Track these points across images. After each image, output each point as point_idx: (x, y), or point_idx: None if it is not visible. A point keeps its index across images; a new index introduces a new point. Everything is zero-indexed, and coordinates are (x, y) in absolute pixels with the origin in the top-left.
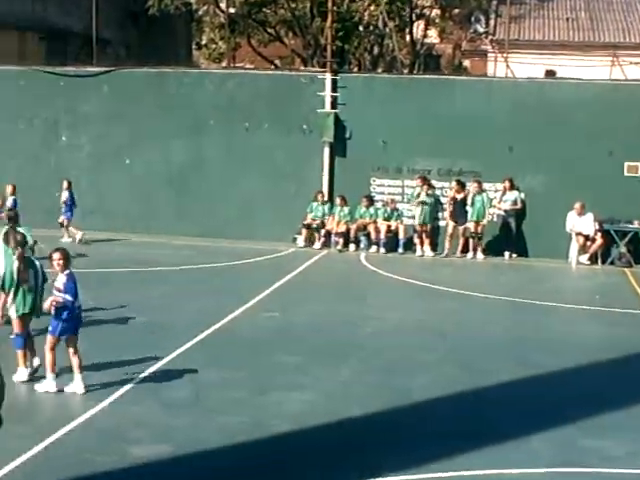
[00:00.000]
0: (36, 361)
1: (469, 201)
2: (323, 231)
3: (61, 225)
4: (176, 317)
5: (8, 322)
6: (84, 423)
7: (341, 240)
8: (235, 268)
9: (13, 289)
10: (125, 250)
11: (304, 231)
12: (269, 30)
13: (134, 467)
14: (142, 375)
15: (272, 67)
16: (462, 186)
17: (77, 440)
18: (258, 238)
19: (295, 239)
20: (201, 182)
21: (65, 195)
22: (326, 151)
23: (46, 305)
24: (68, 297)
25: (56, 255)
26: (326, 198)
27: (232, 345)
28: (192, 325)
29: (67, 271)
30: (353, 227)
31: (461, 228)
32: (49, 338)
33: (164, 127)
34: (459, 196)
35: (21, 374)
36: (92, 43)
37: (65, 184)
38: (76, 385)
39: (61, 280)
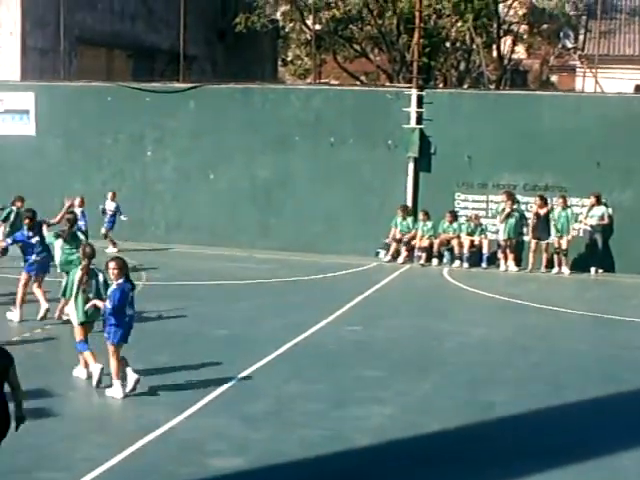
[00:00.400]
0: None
1: (554, 216)
2: (406, 246)
3: (105, 236)
4: (258, 330)
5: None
6: (164, 434)
7: (424, 255)
8: (318, 282)
9: (73, 298)
10: (209, 264)
11: (391, 245)
12: (355, 46)
13: (213, 479)
14: (223, 387)
15: (358, 83)
16: (545, 201)
17: (157, 451)
18: (342, 252)
19: (377, 253)
20: (286, 197)
21: (112, 206)
22: (411, 166)
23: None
24: (108, 305)
25: (112, 264)
26: (410, 213)
27: (314, 358)
28: (274, 338)
29: (120, 280)
30: (436, 242)
31: (543, 243)
32: (109, 346)
33: (249, 143)
34: (542, 211)
35: (79, 371)
36: (179, 60)
37: (110, 195)
38: (114, 390)
39: (111, 288)
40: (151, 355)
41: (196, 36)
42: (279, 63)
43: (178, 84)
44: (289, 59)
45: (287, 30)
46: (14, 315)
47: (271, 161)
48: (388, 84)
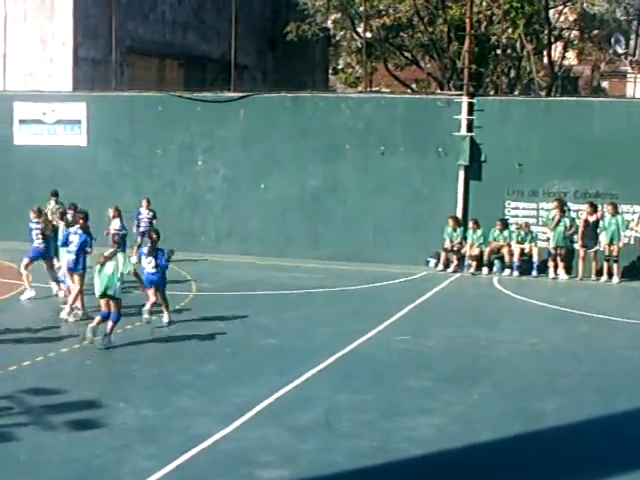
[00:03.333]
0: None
1: (604, 223)
2: (456, 255)
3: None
4: (307, 340)
5: None
6: (212, 445)
7: (474, 263)
8: (368, 291)
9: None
10: (259, 273)
11: (442, 255)
12: (406, 54)
13: None
14: (271, 398)
15: (408, 91)
16: (594, 208)
17: (205, 462)
18: (392, 261)
19: (428, 262)
20: (335, 206)
21: (147, 213)
22: (461, 174)
23: None
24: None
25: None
26: (460, 222)
27: (363, 368)
28: (323, 348)
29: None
30: (487, 250)
31: (591, 251)
32: None
33: (299, 151)
34: (591, 219)
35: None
36: (230, 69)
37: (144, 202)
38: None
39: None
40: (200, 365)
41: (247, 45)
42: (330, 71)
43: (229, 93)
44: (340, 67)
45: (338, 38)
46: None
47: (321, 170)
48: (439, 92)
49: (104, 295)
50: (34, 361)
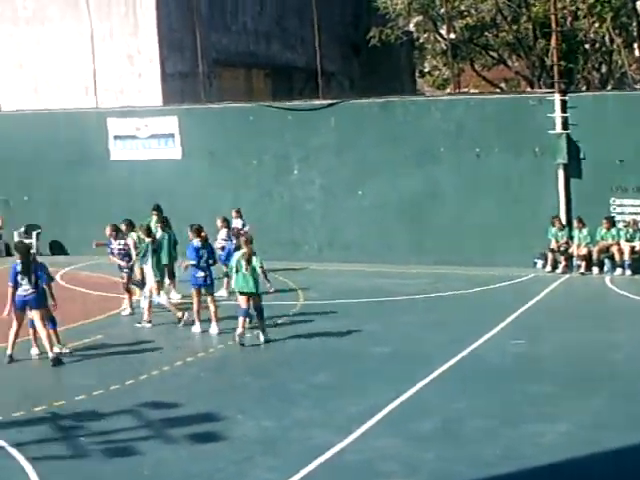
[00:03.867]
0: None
1: None
2: (564, 255)
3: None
4: (420, 346)
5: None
6: (334, 456)
7: (583, 263)
8: (476, 295)
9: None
10: (363, 281)
11: (549, 256)
12: (492, 53)
13: None
14: (389, 407)
15: (498, 90)
16: None
17: (328, 474)
18: (497, 264)
19: (535, 263)
20: (435, 210)
21: (239, 223)
22: (560, 173)
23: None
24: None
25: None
26: (564, 222)
27: (479, 373)
28: (437, 354)
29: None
30: (595, 250)
31: None
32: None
33: (393, 156)
34: None
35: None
36: (317, 77)
37: (234, 213)
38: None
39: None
40: (313, 375)
41: (332, 52)
42: (417, 74)
43: (318, 101)
44: (426, 70)
45: (422, 41)
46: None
47: (417, 174)
48: (529, 90)
49: (248, 293)
50: (150, 375)
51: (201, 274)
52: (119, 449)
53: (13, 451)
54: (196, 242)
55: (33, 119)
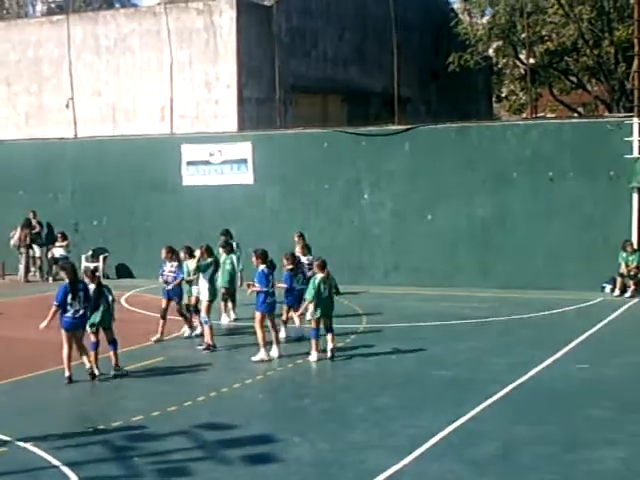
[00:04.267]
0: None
1: None
2: (633, 279)
3: None
4: (482, 370)
5: None
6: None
7: None
8: (543, 319)
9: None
10: (429, 304)
11: (618, 280)
12: (571, 78)
13: None
14: (447, 430)
15: (575, 115)
16: None
17: None
18: (565, 288)
19: (603, 288)
20: (505, 234)
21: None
22: (635, 197)
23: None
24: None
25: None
26: (635, 246)
27: (542, 398)
28: (499, 378)
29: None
30: None
31: None
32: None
33: (466, 182)
34: None
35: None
36: (393, 102)
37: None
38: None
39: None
40: (372, 397)
41: (409, 77)
42: (493, 99)
43: (393, 126)
44: (503, 95)
45: (500, 66)
46: (261, 354)
47: (489, 199)
48: (607, 114)
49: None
50: (208, 397)
51: (269, 300)
52: (173, 469)
53: (67, 470)
54: (262, 267)
55: (108, 145)
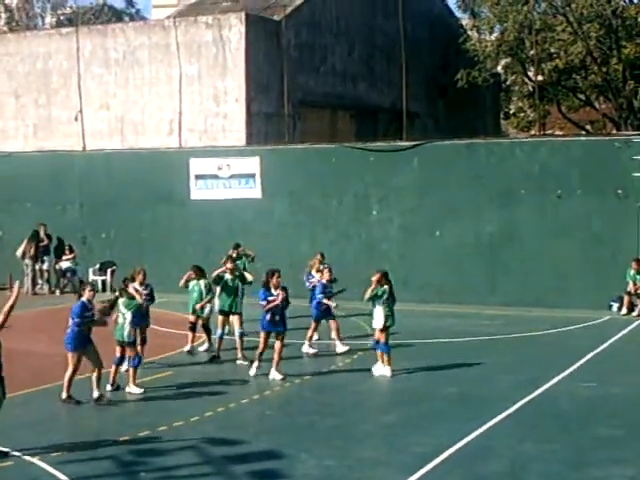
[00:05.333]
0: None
1: None
2: None
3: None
4: (490, 388)
5: None
6: None
7: None
8: (550, 337)
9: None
10: (437, 321)
11: (625, 298)
12: (579, 95)
13: None
14: (454, 447)
15: (583, 133)
16: None
17: None
18: (573, 306)
19: (610, 306)
20: (513, 251)
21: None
22: None
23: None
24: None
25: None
26: None
27: (548, 416)
28: (506, 395)
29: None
30: None
31: None
32: None
33: (474, 198)
34: None
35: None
36: (401, 118)
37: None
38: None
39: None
40: (381, 414)
41: (418, 93)
42: (501, 116)
43: (401, 142)
44: (511, 112)
45: (508, 83)
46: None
47: (497, 216)
48: (615, 132)
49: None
50: (215, 412)
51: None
52: None
53: None
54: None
55: (117, 158)
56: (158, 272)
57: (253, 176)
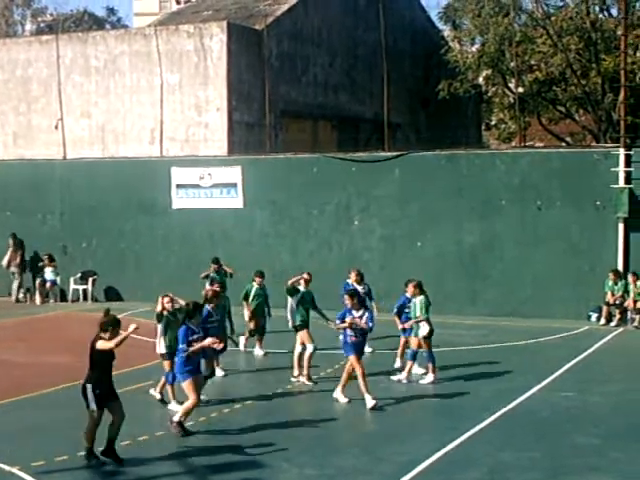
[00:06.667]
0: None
1: None
2: (619, 308)
3: None
4: (470, 397)
5: None
6: None
7: (638, 317)
8: (529, 347)
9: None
10: None
11: (604, 309)
12: (559, 107)
13: None
14: (435, 456)
15: (563, 144)
16: None
17: None
18: (552, 316)
19: (589, 316)
20: (493, 262)
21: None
22: (621, 227)
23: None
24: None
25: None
26: (622, 275)
27: (527, 425)
28: (486, 405)
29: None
30: None
31: None
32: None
33: (455, 208)
34: None
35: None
36: (383, 128)
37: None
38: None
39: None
40: (361, 424)
41: (399, 104)
42: (483, 127)
43: (383, 153)
44: (493, 123)
45: (490, 94)
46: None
47: (477, 226)
48: (595, 144)
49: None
50: (197, 421)
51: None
52: None
53: None
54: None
55: (97, 167)
56: (138, 281)
57: (235, 186)
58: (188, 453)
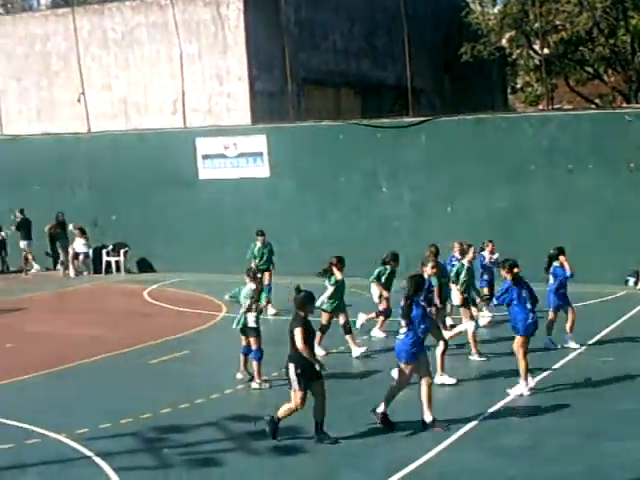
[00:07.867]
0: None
1: None
2: None
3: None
4: (507, 362)
5: None
6: (416, 469)
7: None
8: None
9: None
10: None
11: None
12: (587, 68)
13: None
14: (475, 421)
15: (593, 106)
16: None
17: None
18: (587, 281)
19: (627, 281)
20: (524, 227)
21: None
22: None
23: None
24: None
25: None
26: None
27: (566, 390)
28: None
29: None
30: None
31: None
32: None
33: (484, 174)
34: None
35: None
36: (407, 94)
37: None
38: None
39: None
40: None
41: (422, 69)
42: (508, 91)
43: (408, 119)
44: (519, 86)
45: (514, 57)
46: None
47: (507, 191)
48: (625, 105)
49: None
50: (235, 389)
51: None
52: (203, 460)
53: (99, 461)
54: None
55: (122, 139)
56: (169, 252)
57: (260, 154)
58: (227, 420)
